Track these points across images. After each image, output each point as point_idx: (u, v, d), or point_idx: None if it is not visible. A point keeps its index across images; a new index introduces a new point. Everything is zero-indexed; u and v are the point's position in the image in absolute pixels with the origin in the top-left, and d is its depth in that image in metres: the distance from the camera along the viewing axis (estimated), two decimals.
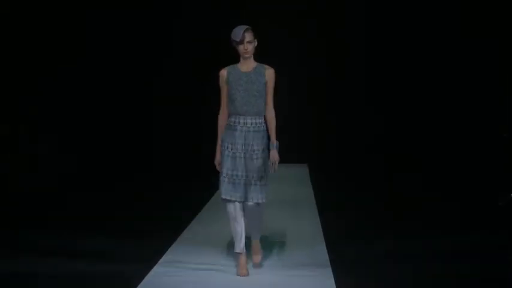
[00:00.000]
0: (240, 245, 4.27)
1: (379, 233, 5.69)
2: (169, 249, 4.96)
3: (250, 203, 4.18)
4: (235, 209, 4.21)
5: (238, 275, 4.24)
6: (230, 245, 4.89)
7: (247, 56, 4.19)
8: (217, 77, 4.30)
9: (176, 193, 7.80)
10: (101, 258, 4.68)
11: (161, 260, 4.61)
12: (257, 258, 4.45)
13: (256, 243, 4.45)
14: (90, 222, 6.01)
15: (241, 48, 4.16)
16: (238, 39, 4.12)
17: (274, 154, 4.22)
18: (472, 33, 9.56)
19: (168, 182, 8.84)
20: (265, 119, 4.30)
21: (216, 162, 4.29)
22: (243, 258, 4.28)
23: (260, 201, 4.18)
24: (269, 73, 4.23)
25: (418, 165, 9.82)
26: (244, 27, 4.14)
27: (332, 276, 4.22)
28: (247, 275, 4.24)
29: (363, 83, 13.14)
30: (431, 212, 6.69)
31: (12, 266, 4.46)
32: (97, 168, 9.70)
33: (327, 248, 5.01)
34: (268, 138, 4.28)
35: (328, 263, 4.55)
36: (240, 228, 4.25)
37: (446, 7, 10.17)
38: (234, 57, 4.36)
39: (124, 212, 6.65)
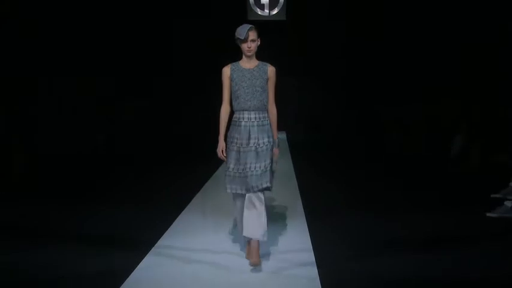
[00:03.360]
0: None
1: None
2: (162, 236, 4.98)
3: (254, 193, 4.14)
4: (241, 202, 4.26)
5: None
6: (229, 231, 5.16)
7: (250, 54, 4.23)
8: (220, 73, 4.30)
9: (171, 181, 8.07)
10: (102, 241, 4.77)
11: (156, 245, 4.67)
12: (256, 260, 4.16)
13: (256, 245, 4.20)
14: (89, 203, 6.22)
15: (244, 46, 4.20)
16: (242, 37, 4.16)
17: (276, 152, 4.30)
18: (474, 33, 9.58)
19: (168, 167, 9.49)
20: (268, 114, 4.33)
21: (219, 149, 4.25)
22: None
23: (267, 184, 4.14)
24: (271, 70, 4.28)
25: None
26: (249, 26, 4.18)
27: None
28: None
29: (359, 81, 13.21)
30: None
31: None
32: (95, 163, 9.71)
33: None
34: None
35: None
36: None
37: (446, 7, 10.22)
38: (234, 57, 4.39)
39: (121, 196, 6.88)
